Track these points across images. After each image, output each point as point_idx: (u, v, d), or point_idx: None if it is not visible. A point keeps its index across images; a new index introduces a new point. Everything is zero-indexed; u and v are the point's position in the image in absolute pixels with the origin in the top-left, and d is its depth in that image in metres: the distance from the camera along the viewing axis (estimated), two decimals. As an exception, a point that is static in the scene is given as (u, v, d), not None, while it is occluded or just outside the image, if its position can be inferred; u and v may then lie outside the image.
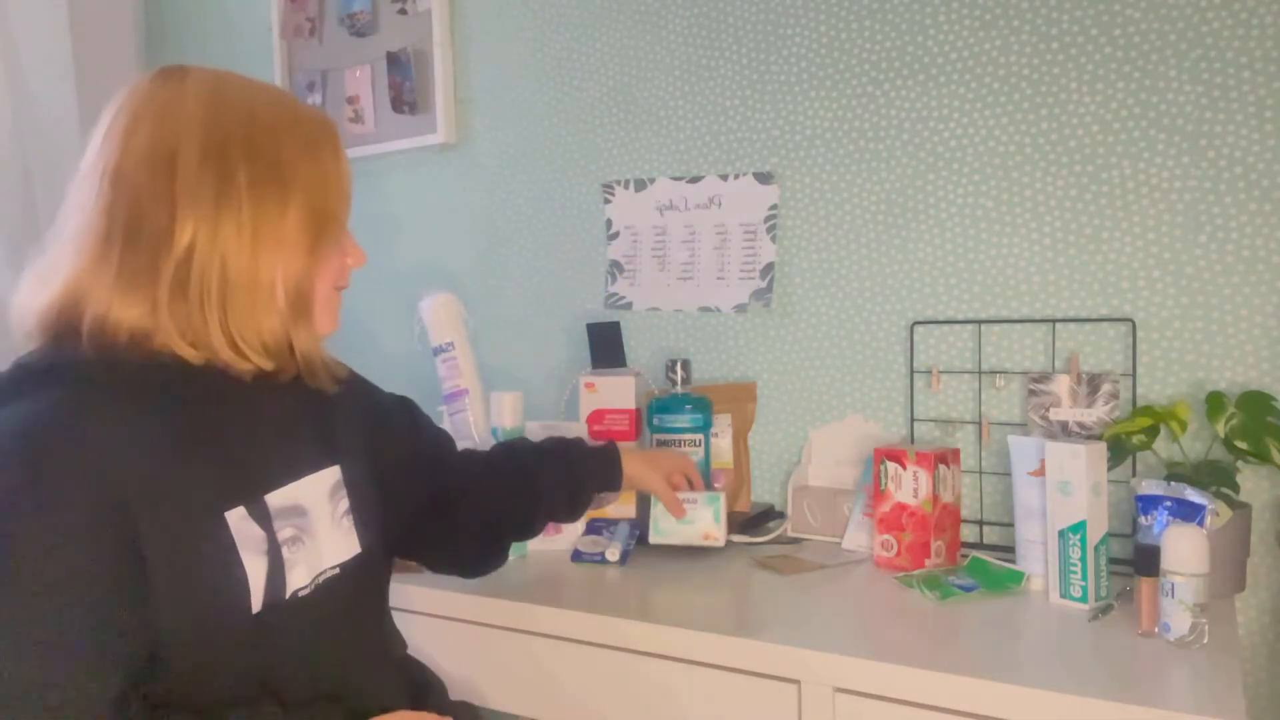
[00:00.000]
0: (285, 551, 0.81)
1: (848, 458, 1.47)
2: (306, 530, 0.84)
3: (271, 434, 0.85)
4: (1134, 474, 1.26)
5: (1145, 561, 0.99)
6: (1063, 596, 1.09)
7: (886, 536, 1.25)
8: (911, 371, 1.44)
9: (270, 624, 0.78)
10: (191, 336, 0.78)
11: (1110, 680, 0.87)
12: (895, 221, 1.44)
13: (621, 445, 1.23)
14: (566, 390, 1.61)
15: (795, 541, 1.40)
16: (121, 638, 0.71)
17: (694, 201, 1.61)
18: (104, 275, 0.77)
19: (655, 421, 1.41)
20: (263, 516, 0.80)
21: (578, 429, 1.44)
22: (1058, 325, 1.33)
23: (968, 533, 1.37)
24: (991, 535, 1.38)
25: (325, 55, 1.99)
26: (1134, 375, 1.27)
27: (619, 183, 1.68)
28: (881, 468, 1.26)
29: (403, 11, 1.88)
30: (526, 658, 1.16)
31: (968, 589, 1.13)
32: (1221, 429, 1.16)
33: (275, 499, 0.82)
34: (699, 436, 1.40)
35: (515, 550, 1.21)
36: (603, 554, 1.30)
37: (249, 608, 0.77)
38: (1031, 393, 1.33)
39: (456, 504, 1.09)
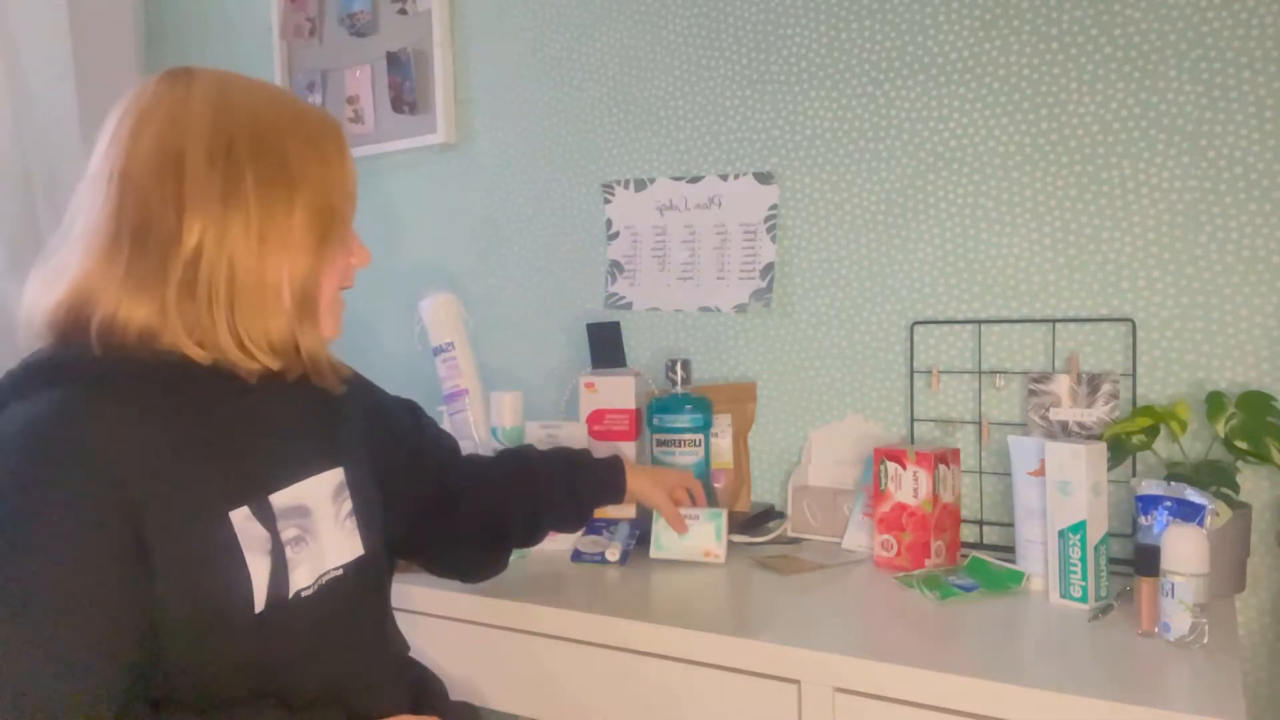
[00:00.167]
0: (289, 552, 0.81)
1: (848, 458, 1.47)
2: (310, 531, 0.84)
3: (276, 434, 0.85)
4: (1134, 474, 1.26)
5: (1145, 561, 0.99)
6: (1063, 596, 1.09)
7: (886, 536, 1.25)
8: (911, 371, 1.44)
9: (273, 624, 0.78)
10: (199, 336, 0.79)
11: (1110, 680, 0.87)
12: (895, 221, 1.44)
13: (626, 459, 1.22)
14: (566, 390, 1.61)
15: (795, 541, 1.40)
16: (125, 638, 0.71)
17: (694, 201, 1.61)
18: (112, 275, 0.77)
19: (655, 421, 1.41)
20: (267, 516, 0.80)
21: (577, 429, 1.44)
22: (1058, 325, 1.33)
23: (968, 533, 1.37)
24: (991, 535, 1.38)
25: (325, 55, 1.99)
26: (1134, 375, 1.27)
27: (619, 183, 1.68)
28: (881, 468, 1.26)
29: (403, 11, 1.88)
30: (526, 658, 1.16)
31: (968, 589, 1.13)
32: (1221, 429, 1.16)
33: (279, 499, 0.82)
34: (699, 436, 1.40)
35: (515, 551, 1.21)
36: (603, 554, 1.30)
37: (252, 607, 0.77)
38: (1031, 393, 1.33)
39: (458, 507, 1.09)
